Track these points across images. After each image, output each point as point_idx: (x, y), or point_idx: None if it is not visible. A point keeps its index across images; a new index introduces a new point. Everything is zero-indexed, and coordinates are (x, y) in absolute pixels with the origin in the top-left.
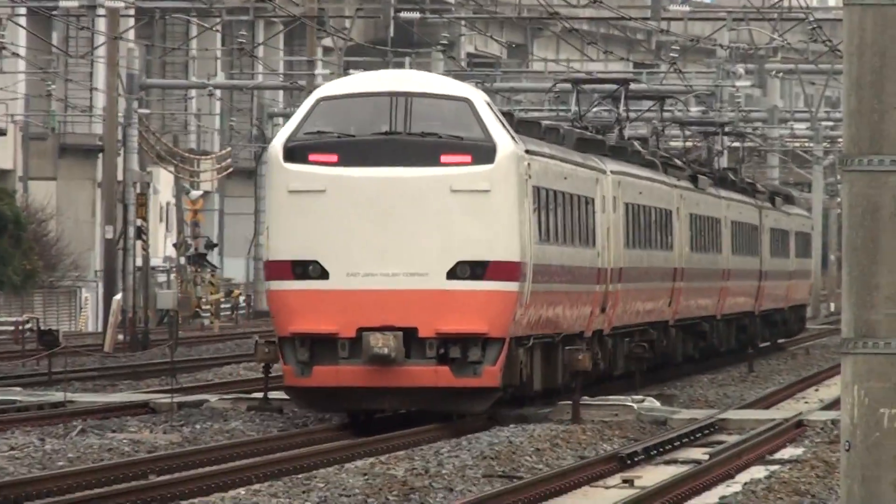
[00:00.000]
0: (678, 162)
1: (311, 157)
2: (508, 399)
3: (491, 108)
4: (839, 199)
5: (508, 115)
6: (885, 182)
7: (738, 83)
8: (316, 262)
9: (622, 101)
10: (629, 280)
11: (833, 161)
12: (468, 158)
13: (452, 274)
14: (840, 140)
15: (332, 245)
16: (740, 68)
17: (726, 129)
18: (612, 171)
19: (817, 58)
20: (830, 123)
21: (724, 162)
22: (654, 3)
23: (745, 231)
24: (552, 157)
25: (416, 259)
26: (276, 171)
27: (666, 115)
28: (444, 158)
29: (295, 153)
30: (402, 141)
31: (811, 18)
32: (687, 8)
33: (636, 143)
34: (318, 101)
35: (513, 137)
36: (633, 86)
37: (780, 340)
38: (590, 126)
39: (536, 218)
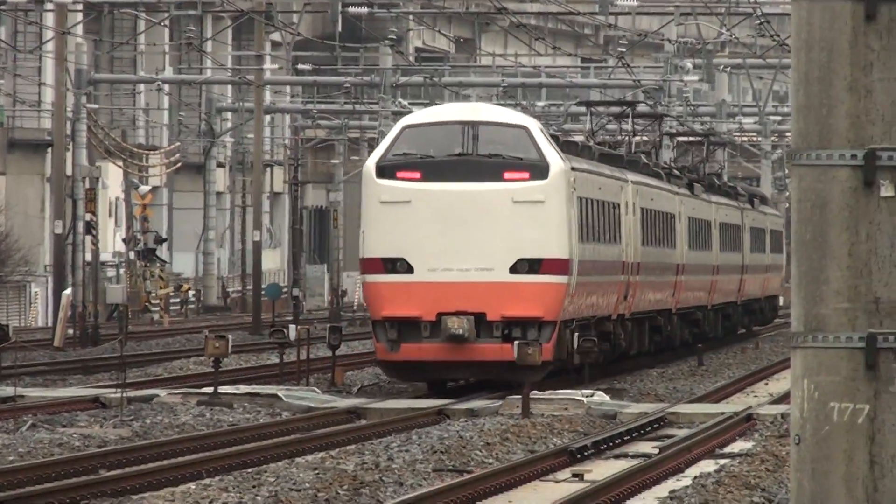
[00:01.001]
0: (677, 171)
1: (399, 174)
2: (555, 371)
3: (543, 132)
4: (787, 194)
5: (555, 137)
6: (833, 176)
7: (686, 78)
8: (403, 259)
9: (630, 119)
10: (645, 273)
11: (781, 155)
12: (526, 175)
13: (514, 269)
14: (788, 134)
15: (416, 245)
16: (688, 63)
17: (711, 139)
18: (632, 181)
19: (765, 52)
20: (778, 118)
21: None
22: None
23: (730, 231)
24: (590, 171)
25: (484, 257)
26: (369, 185)
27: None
28: (506, 175)
29: (385, 171)
30: (472, 161)
31: (759, 13)
32: (635, 3)
33: (643, 156)
34: (403, 129)
35: (561, 157)
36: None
37: (755, 328)
38: (603, 141)
39: (579, 222)
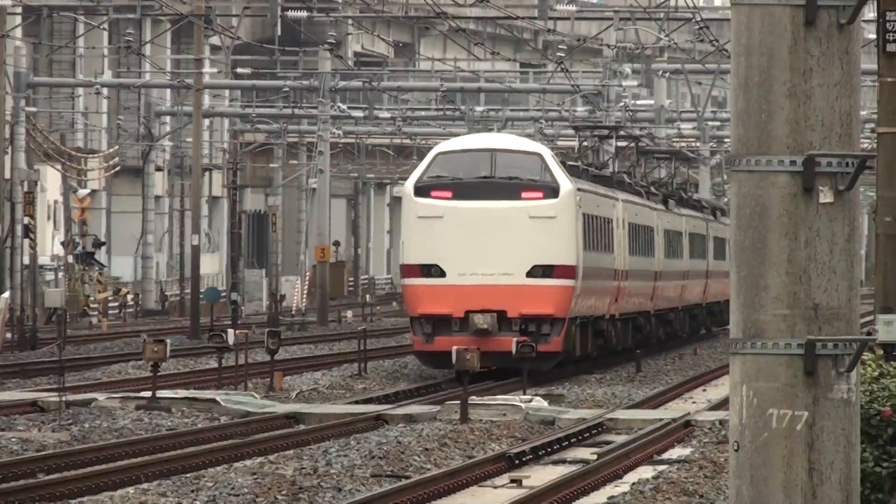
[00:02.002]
0: (653, 189)
1: (433, 193)
2: (563, 361)
3: (554, 159)
4: (726, 199)
5: (563, 163)
6: (773, 182)
7: (624, 83)
8: (437, 265)
9: (614, 141)
10: (631, 279)
11: (719, 161)
12: (540, 195)
13: (530, 273)
14: (727, 140)
15: (447, 253)
16: (627, 68)
17: (679, 156)
18: (621, 199)
19: (704, 57)
20: (717, 123)
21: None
22: (541, 3)
23: (697, 240)
24: (590, 191)
25: (504, 263)
26: (408, 203)
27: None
28: (524, 195)
29: (421, 190)
30: (494, 182)
31: (698, 18)
32: (574, 8)
33: (625, 176)
34: (436, 155)
35: (569, 179)
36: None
37: (714, 329)
38: (591, 162)
39: (583, 234)
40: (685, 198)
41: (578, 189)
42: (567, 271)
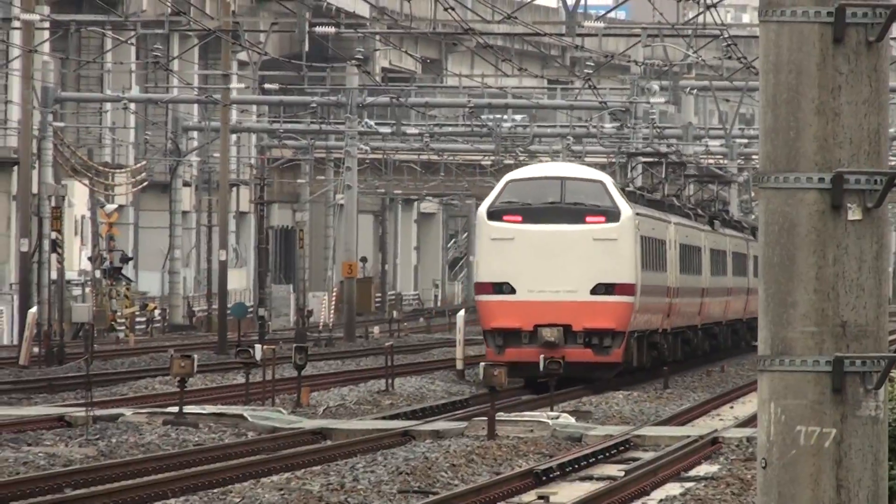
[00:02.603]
0: (700, 211)
1: (505, 218)
2: (623, 371)
3: (615, 186)
4: (753, 216)
5: (622, 189)
6: (801, 199)
7: (652, 100)
8: (508, 283)
9: (664, 167)
10: (681, 296)
11: (747, 178)
12: (603, 219)
13: (593, 291)
14: (754, 157)
15: (518, 272)
16: (655, 85)
17: (722, 179)
18: (673, 222)
19: (731, 74)
20: (745, 140)
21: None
22: (568, 20)
23: (739, 259)
24: (646, 215)
25: (570, 281)
26: (482, 226)
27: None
28: (587, 219)
29: (494, 215)
30: (561, 208)
31: (725, 35)
32: (602, 24)
33: (675, 199)
34: (507, 183)
35: (629, 205)
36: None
37: (753, 343)
38: (641, 186)
39: (641, 255)
40: (727, 219)
41: (637, 213)
42: (627, 289)
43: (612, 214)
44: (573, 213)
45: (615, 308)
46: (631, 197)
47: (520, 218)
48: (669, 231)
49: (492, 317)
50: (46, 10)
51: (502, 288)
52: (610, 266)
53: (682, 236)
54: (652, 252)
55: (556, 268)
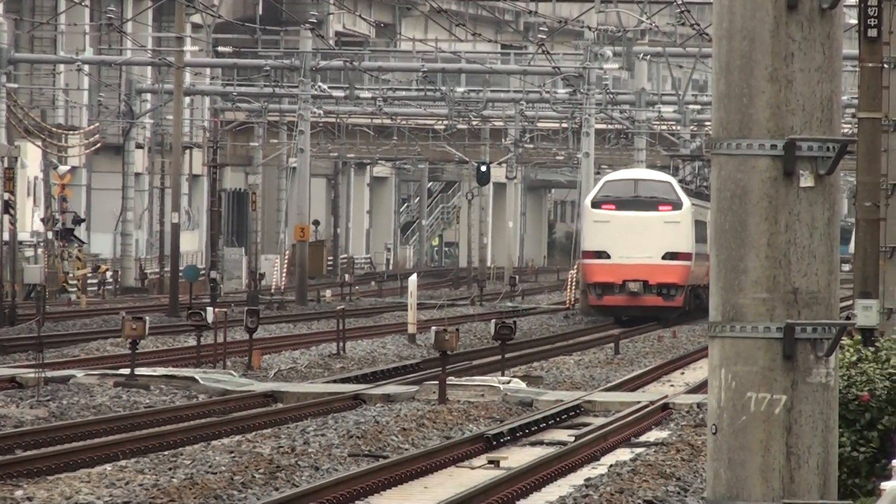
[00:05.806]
0: None
1: (603, 206)
2: (684, 312)
3: (679, 184)
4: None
5: (683, 186)
6: (753, 166)
7: (605, 65)
8: (605, 251)
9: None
10: None
11: (700, 144)
12: (670, 208)
13: (664, 257)
14: (708, 123)
15: (612, 244)
16: (608, 51)
17: None
18: (709, 207)
19: (685, 41)
20: (698, 107)
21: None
22: None
23: None
24: (697, 204)
25: (648, 250)
26: (586, 212)
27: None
28: (660, 208)
29: (595, 204)
30: (641, 200)
31: (679, 1)
32: None
33: (704, 188)
34: (605, 182)
35: (689, 197)
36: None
37: None
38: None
39: (695, 233)
40: None
41: (692, 204)
42: (686, 256)
43: (676, 205)
44: (650, 204)
45: (678, 269)
46: (688, 192)
47: (613, 206)
48: (708, 214)
49: (593, 274)
50: None
51: (601, 255)
52: (675, 240)
53: None
54: (700, 230)
55: (638, 241)
